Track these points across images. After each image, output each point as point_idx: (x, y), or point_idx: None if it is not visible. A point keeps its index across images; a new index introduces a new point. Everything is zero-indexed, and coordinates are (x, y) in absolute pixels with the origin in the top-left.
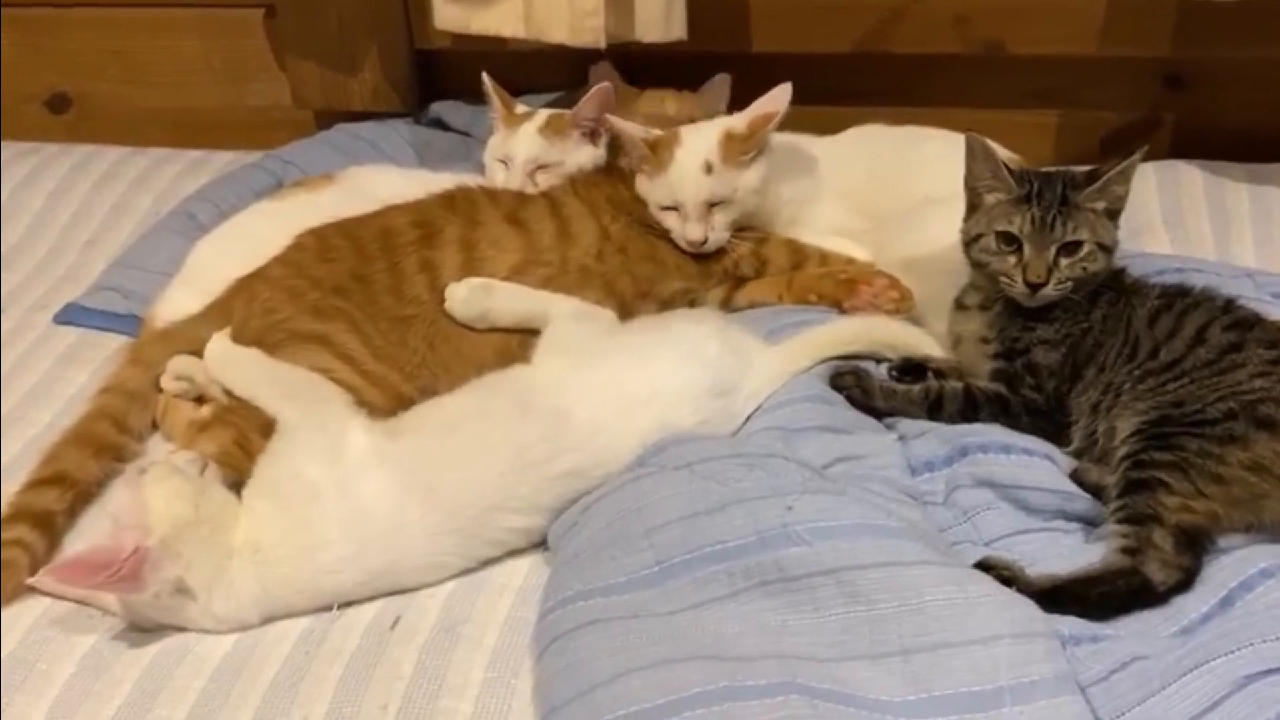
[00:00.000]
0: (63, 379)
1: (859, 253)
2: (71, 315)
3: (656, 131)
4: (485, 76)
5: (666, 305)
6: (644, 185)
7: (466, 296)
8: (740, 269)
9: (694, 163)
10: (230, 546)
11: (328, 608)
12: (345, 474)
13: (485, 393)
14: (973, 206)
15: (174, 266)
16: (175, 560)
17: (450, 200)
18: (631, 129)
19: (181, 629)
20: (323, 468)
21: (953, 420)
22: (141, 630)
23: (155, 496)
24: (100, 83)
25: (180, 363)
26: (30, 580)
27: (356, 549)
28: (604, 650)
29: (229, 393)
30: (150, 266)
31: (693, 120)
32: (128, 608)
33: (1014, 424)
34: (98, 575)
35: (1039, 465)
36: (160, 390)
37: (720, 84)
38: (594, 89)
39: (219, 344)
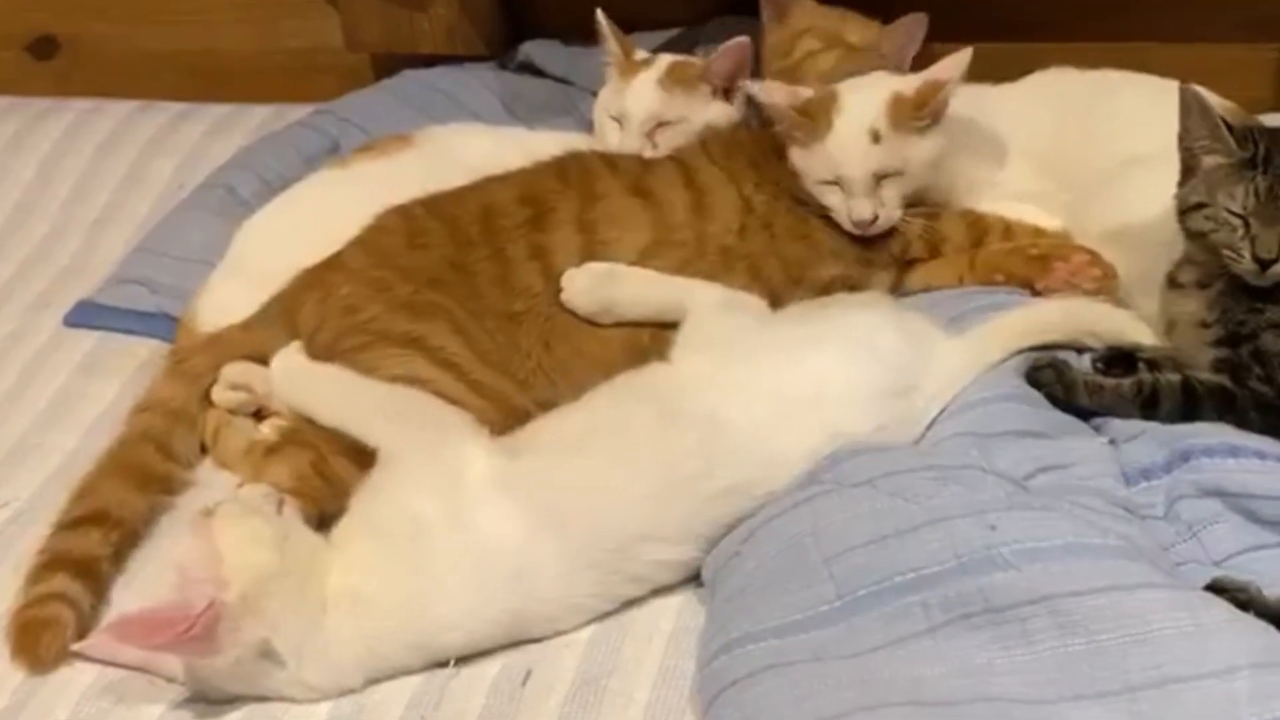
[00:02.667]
0: (84, 395)
1: (1049, 222)
2: (86, 315)
3: (806, 93)
4: (600, 14)
5: (822, 293)
6: (797, 157)
7: (588, 286)
8: (911, 250)
9: (858, 130)
10: (323, 598)
11: (443, 663)
12: (460, 507)
13: (619, 399)
14: (1188, 170)
15: (213, 253)
16: (258, 619)
17: (561, 170)
18: (775, 97)
19: (264, 699)
20: (433, 500)
21: (1170, 419)
22: (213, 702)
23: (229, 542)
24: (96, 22)
25: (235, 370)
26: (78, 646)
27: (477, 596)
28: (784, 700)
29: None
30: (182, 253)
31: (881, 58)
32: (197, 676)
33: (1241, 421)
34: (163, 634)
35: (1273, 470)
36: (209, 406)
37: (912, 24)
38: (730, 44)
39: (290, 360)
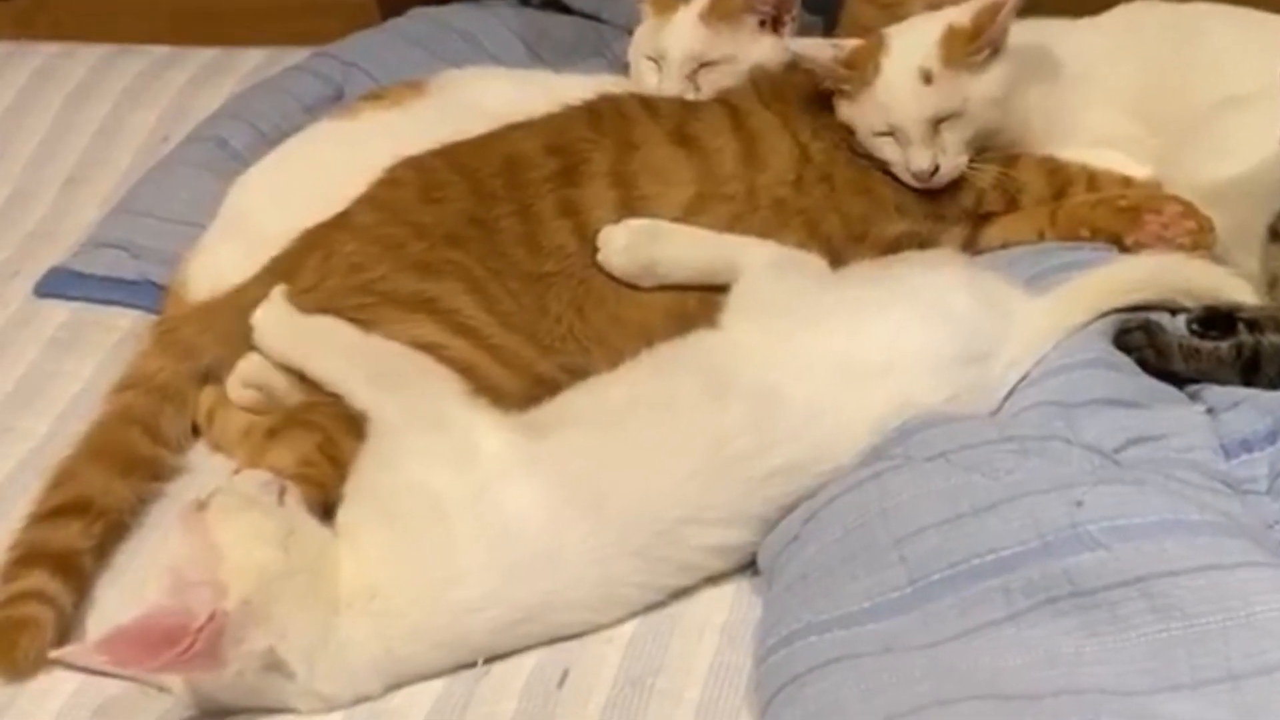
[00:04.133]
0: (59, 373)
1: (1138, 170)
2: (60, 284)
3: (851, 43)
4: None
5: (888, 252)
6: (847, 110)
7: (627, 245)
8: (984, 203)
9: (907, 72)
10: (335, 598)
11: (471, 663)
12: (480, 483)
13: (662, 369)
14: None
15: (203, 213)
16: (264, 626)
17: (594, 116)
18: (817, 53)
19: (270, 711)
20: (448, 475)
21: (1273, 385)
22: (212, 715)
23: (228, 539)
24: None
25: (252, 367)
26: (58, 653)
27: (501, 576)
28: (852, 696)
29: (306, 385)
30: (168, 214)
31: None
32: (195, 689)
33: None
34: (163, 654)
35: None
36: (201, 383)
37: None
38: None
39: (275, 308)
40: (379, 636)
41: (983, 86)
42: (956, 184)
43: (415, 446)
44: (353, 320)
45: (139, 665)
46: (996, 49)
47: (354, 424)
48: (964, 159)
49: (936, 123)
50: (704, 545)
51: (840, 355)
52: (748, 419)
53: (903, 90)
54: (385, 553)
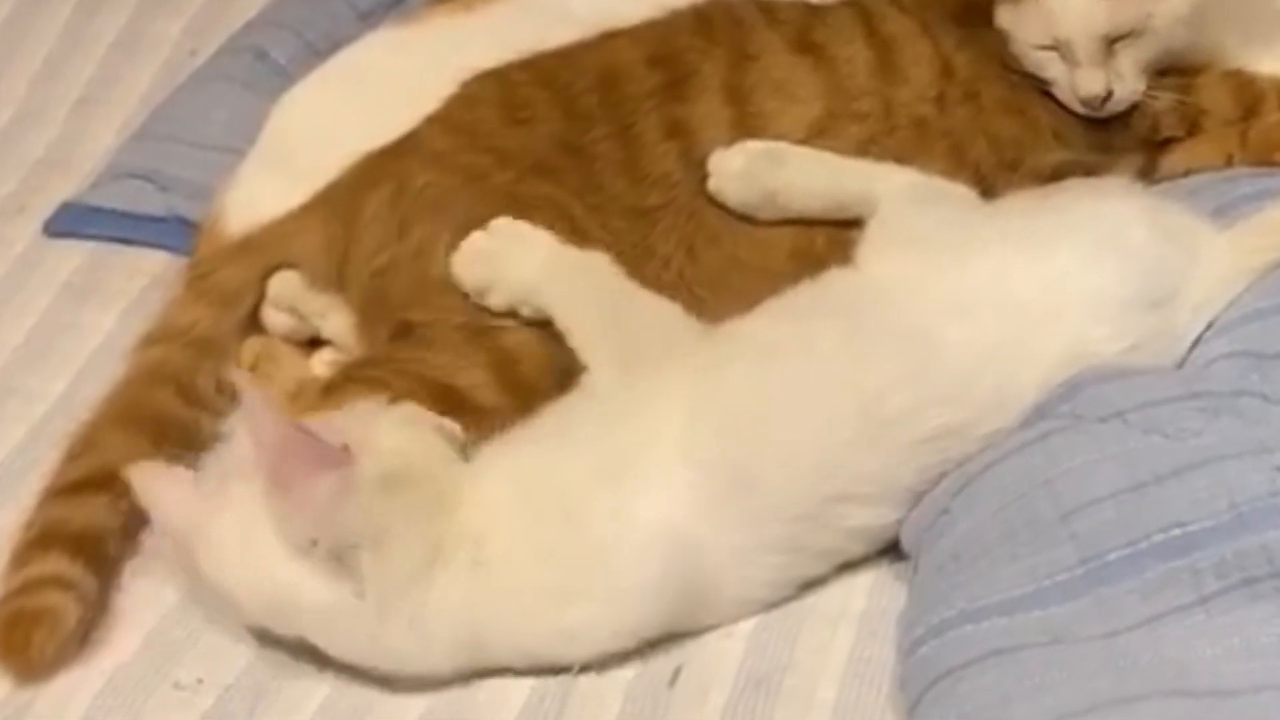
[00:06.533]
0: (74, 325)
1: None
2: (73, 221)
3: None
4: None
5: (1046, 183)
6: (1005, 15)
7: (743, 170)
8: (1161, 129)
9: None
10: (440, 544)
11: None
12: (630, 495)
13: (796, 319)
14: None
15: (240, 137)
16: (370, 519)
17: (704, 21)
18: None
19: (322, 661)
20: (605, 486)
21: None
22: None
23: (389, 429)
24: None
25: (285, 283)
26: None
27: (621, 609)
28: (1015, 693)
29: (374, 334)
30: (199, 138)
31: None
32: (234, 591)
33: None
34: (310, 457)
35: None
36: (243, 334)
37: None
38: None
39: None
40: (468, 612)
41: (1169, 5)
42: (1127, 109)
43: (598, 426)
44: None
45: (293, 470)
46: None
47: (422, 381)
48: (1141, 85)
49: (1112, 41)
50: (850, 528)
51: (1001, 297)
52: (901, 374)
53: (1075, 2)
54: (506, 515)
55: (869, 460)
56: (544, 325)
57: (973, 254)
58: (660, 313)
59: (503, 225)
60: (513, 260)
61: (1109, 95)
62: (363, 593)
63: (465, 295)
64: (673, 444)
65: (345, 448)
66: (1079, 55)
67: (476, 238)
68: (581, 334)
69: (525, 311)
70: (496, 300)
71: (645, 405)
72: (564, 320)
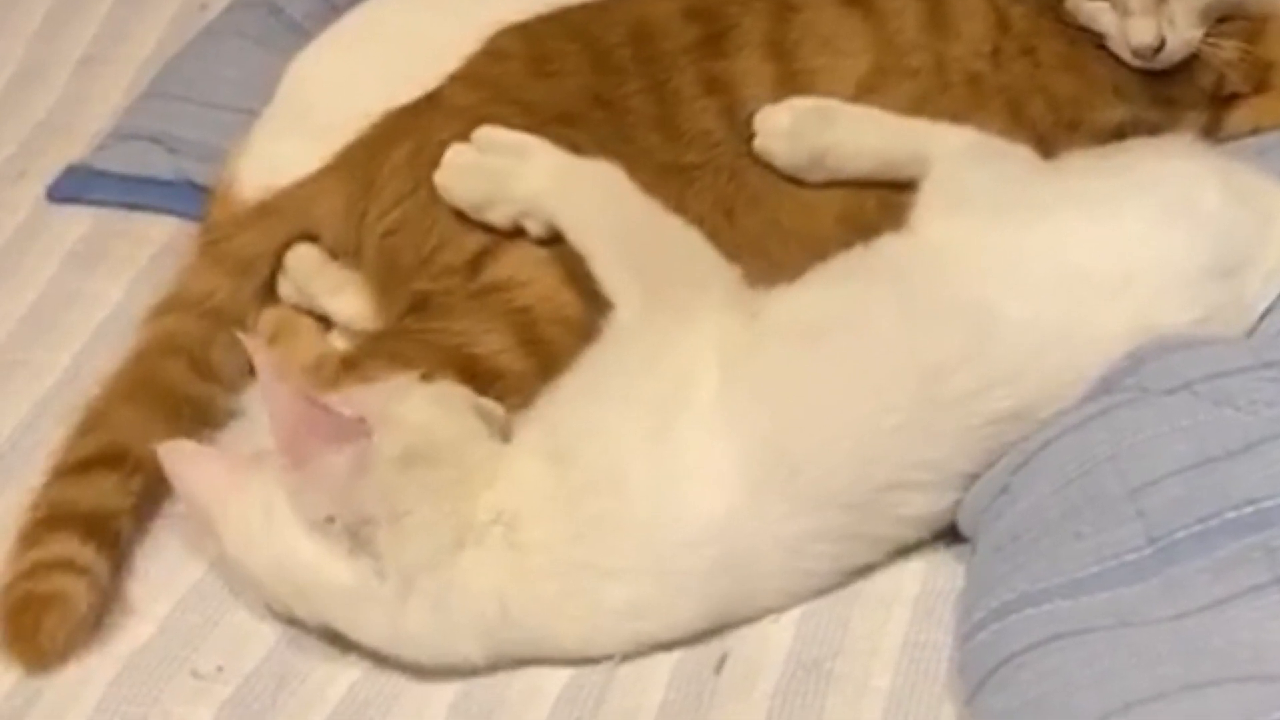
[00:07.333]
0: (80, 295)
1: None
2: (78, 185)
3: None
4: None
5: (1107, 142)
6: None
7: (791, 129)
8: (1226, 83)
9: None
10: (470, 520)
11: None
12: (672, 460)
13: (847, 289)
14: None
15: (254, 96)
16: (389, 495)
17: None
18: None
19: (334, 636)
20: (642, 451)
21: None
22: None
23: (419, 405)
24: None
25: (300, 259)
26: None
27: (669, 591)
28: (1081, 679)
29: (390, 307)
30: (210, 97)
31: None
32: (259, 574)
33: None
34: (325, 431)
35: None
36: (261, 303)
37: None
38: None
39: (493, 133)
40: (500, 596)
41: None
42: (1189, 62)
43: (631, 372)
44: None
45: (308, 443)
46: None
47: (444, 351)
48: (1197, 33)
49: None
50: (906, 515)
51: (1067, 264)
52: (963, 349)
53: None
54: (538, 488)
55: (928, 446)
56: (556, 272)
57: (1034, 219)
58: (683, 236)
59: (488, 134)
60: (511, 170)
61: (1162, 45)
62: (383, 573)
63: (470, 235)
64: (709, 410)
65: (362, 420)
66: (1130, 3)
67: (460, 150)
68: (598, 251)
69: (531, 226)
70: (498, 216)
71: (674, 353)
72: (577, 235)
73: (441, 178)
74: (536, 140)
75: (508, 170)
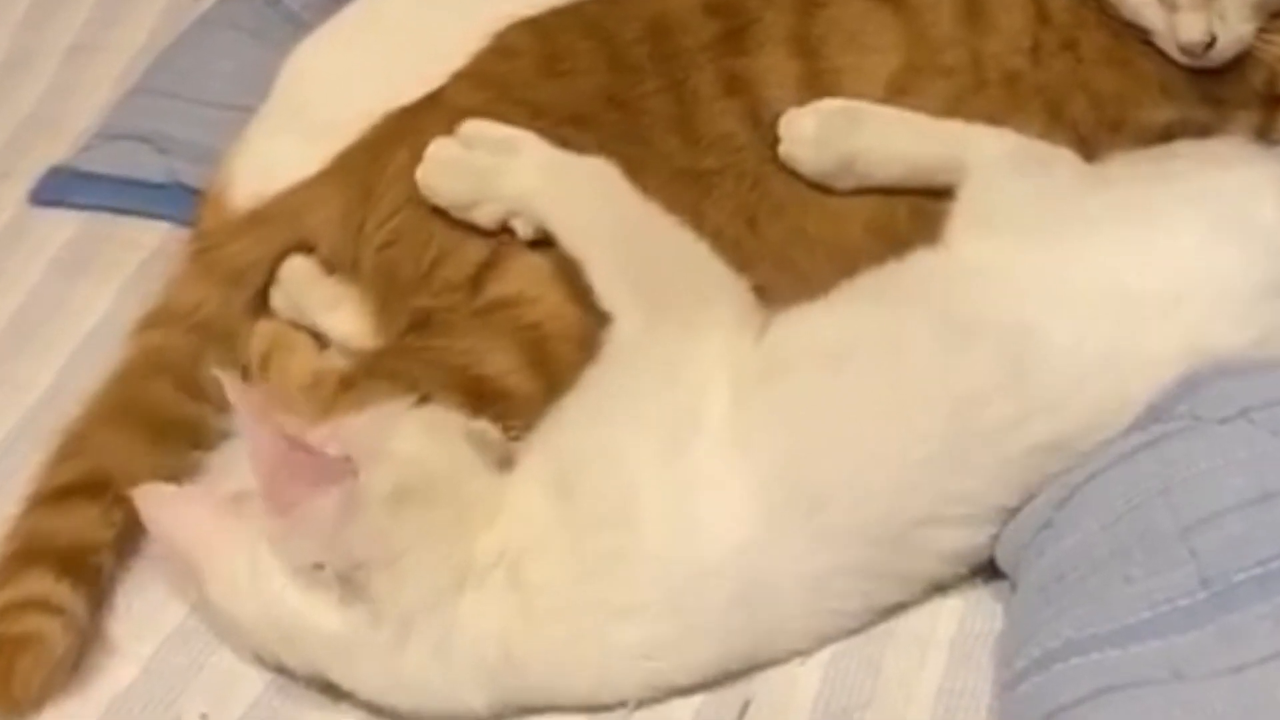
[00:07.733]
0: (64, 305)
1: None
2: (63, 188)
3: None
4: None
5: (1153, 144)
6: None
7: (818, 133)
8: (1279, 82)
9: None
10: (471, 560)
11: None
12: (686, 484)
13: (877, 307)
14: None
15: (249, 92)
16: (380, 538)
17: None
18: None
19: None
20: (654, 467)
21: None
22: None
23: (409, 435)
24: None
25: (298, 270)
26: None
27: (683, 631)
28: None
29: (390, 325)
30: (202, 94)
31: None
32: (245, 622)
33: None
34: (308, 473)
35: None
36: (253, 317)
37: None
38: None
39: (480, 127)
40: (505, 640)
41: None
42: (1241, 59)
43: (634, 405)
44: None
45: (290, 489)
46: None
47: (448, 372)
48: (1249, 28)
49: None
50: (941, 551)
51: (1112, 283)
52: (999, 375)
53: None
54: (543, 522)
55: (962, 478)
56: (564, 287)
57: (1077, 235)
58: (685, 243)
59: (475, 128)
60: (499, 167)
61: (1212, 42)
62: (378, 619)
63: (471, 245)
64: (722, 434)
65: (347, 460)
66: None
67: (445, 144)
68: (593, 257)
69: (520, 227)
70: (484, 215)
71: (683, 371)
72: (569, 238)
73: (424, 174)
74: (526, 135)
75: (495, 167)
